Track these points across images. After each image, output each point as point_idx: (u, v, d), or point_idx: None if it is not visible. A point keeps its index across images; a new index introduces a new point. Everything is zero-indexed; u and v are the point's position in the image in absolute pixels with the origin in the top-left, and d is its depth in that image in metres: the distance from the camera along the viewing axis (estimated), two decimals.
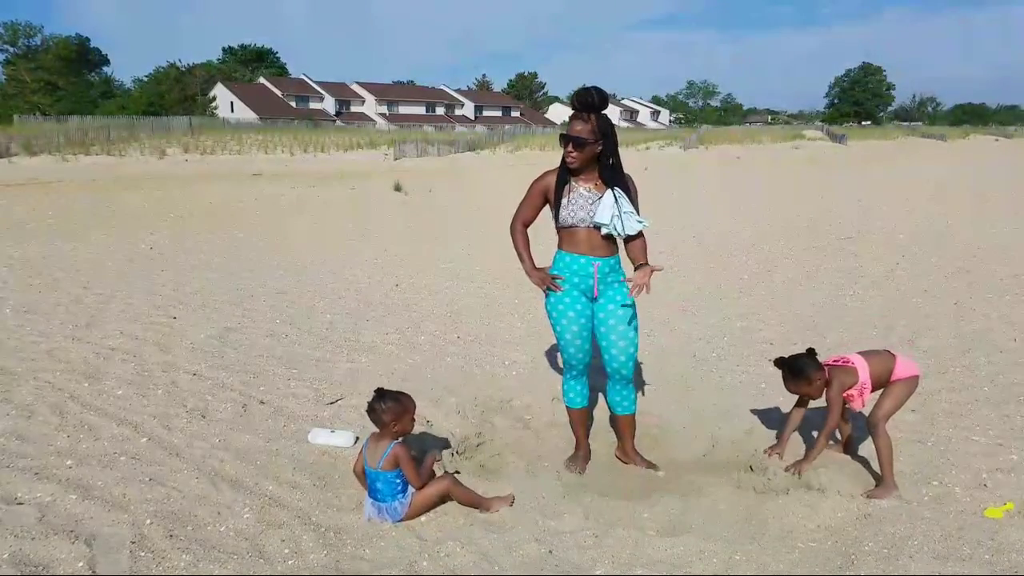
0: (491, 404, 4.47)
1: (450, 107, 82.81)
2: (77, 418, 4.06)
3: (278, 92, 70.07)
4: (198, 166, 26.54)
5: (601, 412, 4.15)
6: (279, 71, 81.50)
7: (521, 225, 3.55)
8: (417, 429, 3.83)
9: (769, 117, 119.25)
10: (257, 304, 6.91)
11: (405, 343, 5.78)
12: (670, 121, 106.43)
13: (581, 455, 3.78)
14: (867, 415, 3.51)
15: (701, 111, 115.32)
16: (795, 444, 3.89)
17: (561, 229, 3.42)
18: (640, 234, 3.35)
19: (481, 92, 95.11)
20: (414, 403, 3.25)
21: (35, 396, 4.36)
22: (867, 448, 3.68)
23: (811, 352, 3.61)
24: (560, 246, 3.45)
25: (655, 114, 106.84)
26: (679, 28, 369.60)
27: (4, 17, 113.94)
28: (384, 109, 75.70)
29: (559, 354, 3.79)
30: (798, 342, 5.45)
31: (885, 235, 11.46)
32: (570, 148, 3.27)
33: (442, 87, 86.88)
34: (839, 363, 3.57)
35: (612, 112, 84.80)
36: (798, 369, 3.57)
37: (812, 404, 3.79)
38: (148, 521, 3.02)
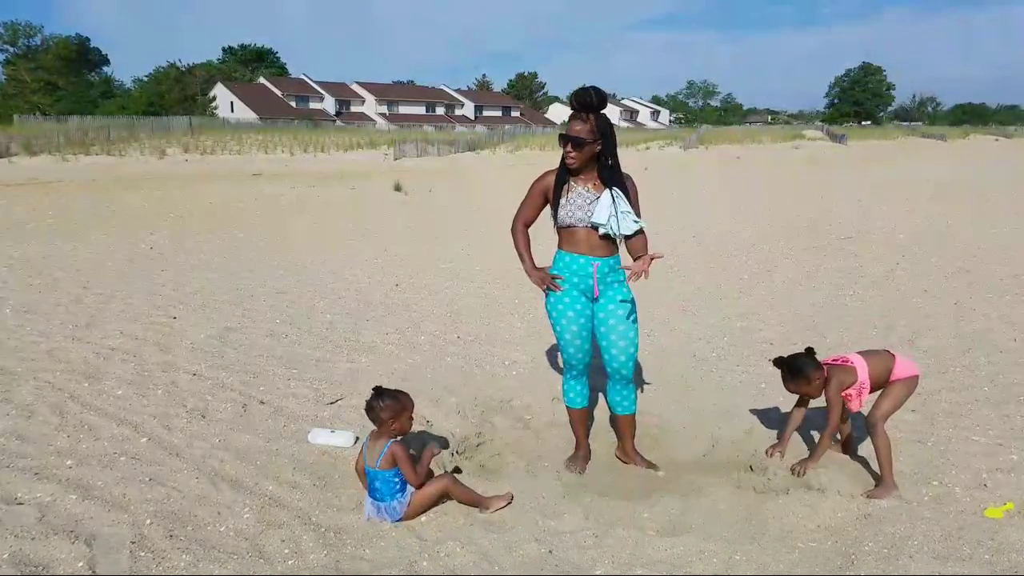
0: (491, 404, 4.47)
1: (450, 107, 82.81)
2: (77, 418, 4.06)
3: (278, 92, 70.08)
4: (198, 166, 26.54)
5: (601, 412, 4.15)
6: (279, 71, 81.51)
7: (522, 225, 3.55)
8: (417, 429, 3.84)
9: (769, 117, 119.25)
10: (257, 304, 6.91)
11: (405, 343, 5.78)
12: (670, 121, 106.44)
13: (581, 455, 3.78)
14: (866, 415, 3.51)
15: (701, 111, 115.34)
16: (795, 444, 3.89)
17: (560, 229, 3.43)
18: (641, 232, 3.35)
19: (481, 92, 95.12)
20: (412, 402, 3.25)
21: (35, 396, 4.36)
22: (867, 448, 3.68)
23: (810, 351, 3.61)
24: (560, 246, 3.46)
25: (655, 114, 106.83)
26: (679, 28, 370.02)
27: (4, 17, 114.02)
28: (384, 109, 75.70)
29: (559, 354, 3.79)
30: (798, 342, 5.44)
31: (885, 235, 11.46)
32: (569, 148, 3.27)
33: (442, 87, 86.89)
34: (838, 362, 3.58)
35: (612, 112, 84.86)
36: (797, 368, 3.57)
37: (812, 404, 3.79)
38: (148, 521, 3.02)
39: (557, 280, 3.44)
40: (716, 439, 4.04)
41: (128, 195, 16.28)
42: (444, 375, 5.03)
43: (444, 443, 3.82)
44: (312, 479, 3.47)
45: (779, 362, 3.66)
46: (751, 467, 3.61)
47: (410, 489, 3.15)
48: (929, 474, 3.59)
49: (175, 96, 61.80)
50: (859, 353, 3.61)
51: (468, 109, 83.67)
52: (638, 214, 3.35)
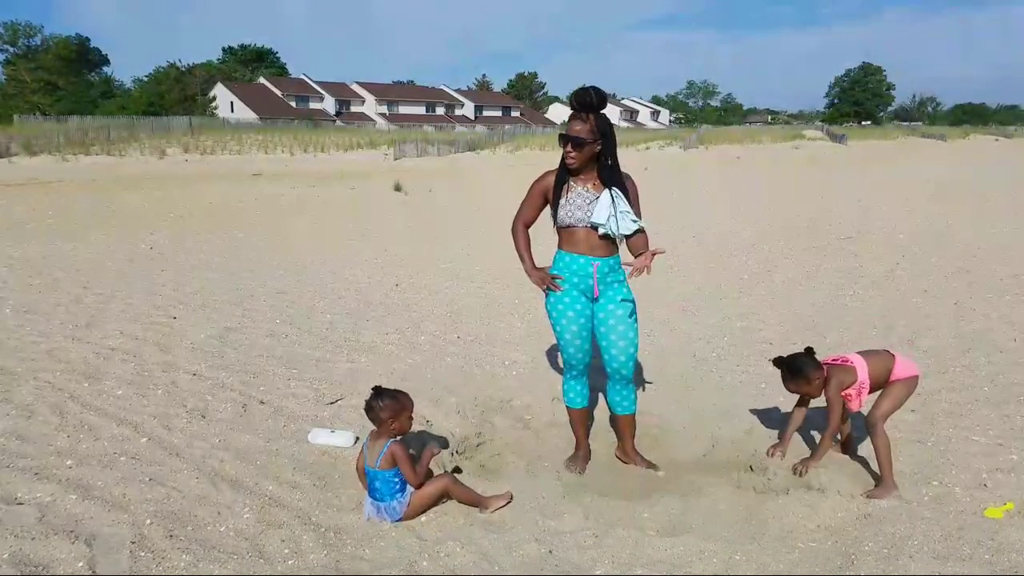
0: (491, 404, 4.47)
1: (450, 107, 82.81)
2: (77, 418, 4.06)
3: (278, 92, 70.07)
4: (198, 166, 26.54)
5: (601, 412, 4.15)
6: (279, 71, 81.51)
7: (522, 225, 3.56)
8: (417, 429, 3.84)
9: (769, 117, 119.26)
10: (257, 304, 6.91)
11: (405, 343, 5.78)
12: (670, 121, 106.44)
13: (581, 455, 3.78)
14: (865, 415, 3.51)
15: (701, 111, 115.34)
16: (796, 444, 3.89)
17: (560, 229, 3.43)
18: (642, 231, 3.36)
19: (481, 92, 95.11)
20: (412, 401, 3.25)
21: (35, 396, 4.36)
22: (867, 448, 3.67)
23: (809, 351, 3.61)
24: (560, 246, 3.46)
25: (655, 114, 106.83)
26: (679, 28, 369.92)
27: (4, 17, 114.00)
28: (384, 109, 75.70)
29: (559, 354, 3.79)
30: (798, 342, 5.44)
31: (885, 235, 11.46)
32: (569, 148, 3.27)
33: (442, 87, 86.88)
34: (838, 362, 3.58)
35: (612, 112, 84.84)
36: (796, 368, 3.58)
37: (813, 404, 3.79)
38: (148, 521, 3.02)
39: (557, 280, 3.44)
40: (716, 439, 4.04)
41: (128, 195, 16.28)
42: (444, 375, 5.03)
43: (444, 443, 3.82)
44: (312, 479, 3.47)
45: (779, 362, 3.66)
46: (751, 467, 3.61)
47: (410, 489, 3.15)
48: (929, 474, 3.59)
49: (175, 96, 61.81)
50: (859, 353, 3.61)
51: (468, 109, 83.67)
52: (639, 214, 3.36)
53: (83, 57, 71.18)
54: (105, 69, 76.34)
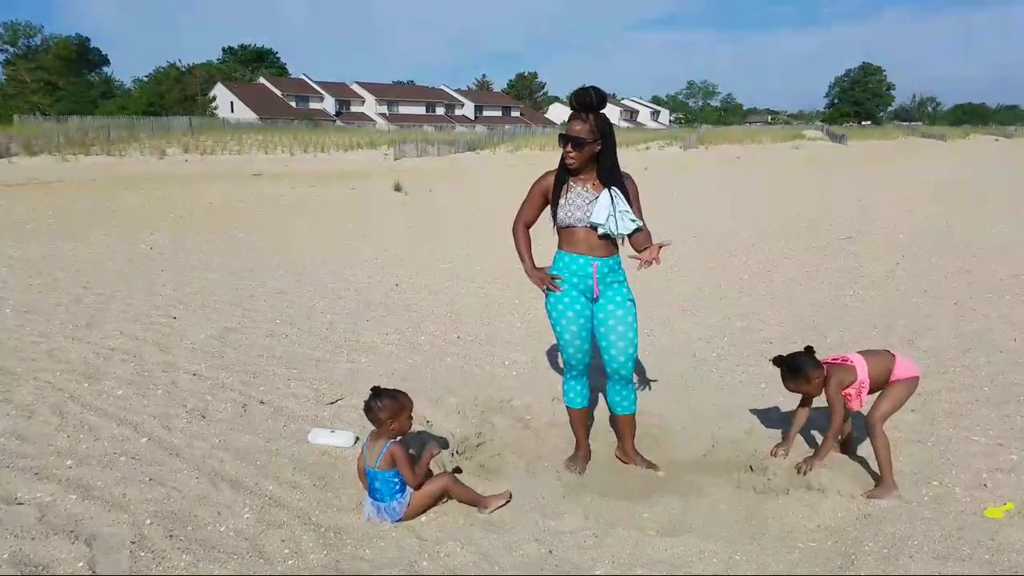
0: (491, 404, 4.47)
1: (450, 107, 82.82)
2: (77, 418, 4.06)
3: (278, 92, 70.08)
4: (198, 166, 26.55)
5: (601, 412, 4.15)
6: (279, 71, 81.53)
7: (523, 226, 3.56)
8: (417, 429, 3.84)
9: (769, 117, 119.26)
10: (257, 304, 6.91)
11: (405, 343, 5.78)
12: (670, 121, 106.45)
13: (581, 455, 3.78)
14: (865, 415, 3.51)
15: (701, 111, 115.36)
16: (797, 444, 3.89)
17: (560, 229, 3.43)
18: (641, 229, 3.35)
19: (481, 92, 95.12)
20: (411, 401, 3.25)
21: (35, 396, 4.36)
22: (866, 448, 3.67)
23: (809, 350, 3.61)
24: (560, 246, 3.46)
25: (655, 114, 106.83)
26: (679, 28, 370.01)
27: (4, 17, 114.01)
28: (384, 109, 75.71)
29: (559, 354, 3.80)
30: (798, 342, 5.43)
31: (885, 235, 11.46)
32: (569, 148, 3.27)
33: (442, 87, 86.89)
34: (838, 361, 3.58)
35: (612, 112, 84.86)
36: (796, 367, 3.58)
37: (815, 403, 3.79)
38: (148, 521, 3.02)
39: (557, 280, 3.44)
40: (716, 439, 4.04)
41: (128, 195, 16.28)
42: (444, 375, 5.03)
43: (444, 443, 3.82)
44: (312, 479, 3.47)
45: (778, 361, 3.66)
46: (751, 467, 3.61)
47: (410, 489, 3.15)
48: (929, 474, 3.59)
49: (175, 96, 61.81)
50: (859, 353, 3.61)
51: (468, 109, 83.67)
52: (639, 213, 3.36)
53: (83, 57, 71.19)
54: (105, 69, 76.45)
